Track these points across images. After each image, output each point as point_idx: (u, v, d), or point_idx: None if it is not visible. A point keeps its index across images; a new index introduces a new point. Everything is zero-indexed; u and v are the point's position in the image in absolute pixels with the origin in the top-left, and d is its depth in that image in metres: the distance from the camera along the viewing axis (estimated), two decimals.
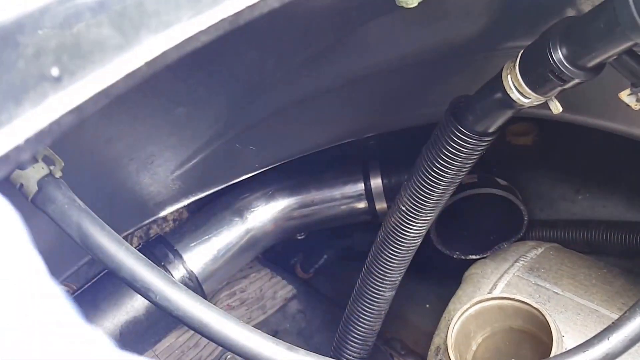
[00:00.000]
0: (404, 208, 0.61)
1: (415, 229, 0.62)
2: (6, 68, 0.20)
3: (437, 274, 1.04)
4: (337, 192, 0.98)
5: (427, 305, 1.06)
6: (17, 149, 0.21)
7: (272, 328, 0.93)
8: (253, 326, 0.90)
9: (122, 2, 0.22)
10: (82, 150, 0.55)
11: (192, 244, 0.91)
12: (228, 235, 0.94)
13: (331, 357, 0.74)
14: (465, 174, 0.58)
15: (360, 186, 0.96)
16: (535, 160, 0.98)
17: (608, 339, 0.37)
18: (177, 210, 1.09)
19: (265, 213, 0.97)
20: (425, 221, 0.62)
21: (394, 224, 0.63)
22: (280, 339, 0.86)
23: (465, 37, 0.54)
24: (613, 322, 0.37)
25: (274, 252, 1.11)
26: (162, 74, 0.27)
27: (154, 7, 0.23)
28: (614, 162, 0.90)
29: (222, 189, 1.07)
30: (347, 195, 0.97)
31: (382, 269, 0.67)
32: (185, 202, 0.81)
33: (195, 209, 1.08)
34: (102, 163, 0.64)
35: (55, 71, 0.20)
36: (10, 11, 0.20)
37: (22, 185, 0.43)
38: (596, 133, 0.70)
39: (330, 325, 0.93)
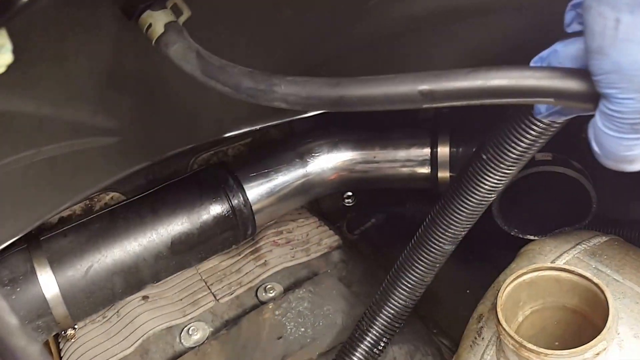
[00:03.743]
0: (485, 157, 0.61)
1: (492, 182, 0.62)
2: None
3: (483, 262, 1.02)
4: (402, 153, 0.98)
5: (468, 291, 1.05)
6: None
7: (313, 270, 0.95)
8: (293, 266, 0.94)
9: None
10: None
11: (252, 175, 0.94)
12: (286, 174, 0.96)
13: (377, 300, 0.75)
14: (556, 130, 0.57)
15: (426, 151, 0.96)
16: None
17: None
18: (237, 148, 1.13)
19: (326, 161, 0.99)
20: (504, 175, 0.61)
21: (471, 173, 0.63)
22: (320, 280, 0.89)
23: None
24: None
25: (323, 215, 1.13)
26: None
27: None
28: None
29: (287, 132, 1.09)
30: (411, 158, 0.97)
31: (448, 220, 0.67)
32: (259, 125, 0.82)
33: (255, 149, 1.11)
34: None
35: None
36: None
37: (150, 25, 0.47)
38: None
39: (370, 279, 0.94)
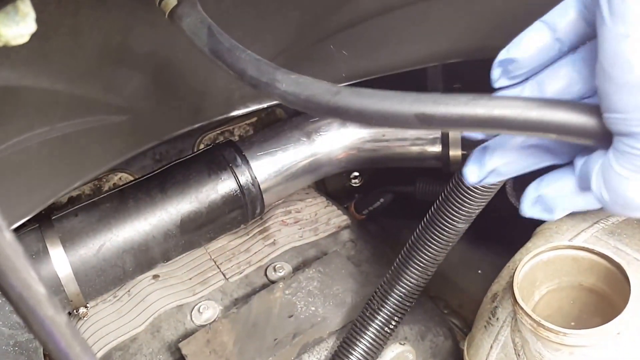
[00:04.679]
0: None
1: None
2: None
3: (495, 243, 1.03)
4: (411, 131, 0.98)
5: (479, 271, 1.06)
6: None
7: (321, 249, 0.95)
8: (302, 245, 0.95)
9: None
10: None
11: (260, 154, 0.94)
12: (294, 153, 0.96)
13: (388, 279, 0.76)
14: None
15: None
16: None
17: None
18: (243, 128, 1.13)
19: (333, 139, 0.99)
20: None
21: None
22: (329, 260, 0.89)
23: None
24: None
25: (330, 196, 1.13)
26: None
27: None
28: None
29: (292, 111, 1.09)
30: (421, 136, 0.97)
31: (462, 197, 0.67)
32: (267, 103, 0.82)
33: (261, 128, 1.11)
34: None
35: None
36: None
37: None
38: None
39: (379, 259, 0.95)
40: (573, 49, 0.35)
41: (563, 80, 0.35)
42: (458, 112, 0.32)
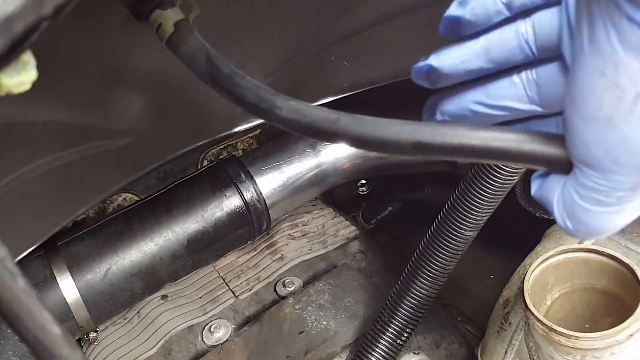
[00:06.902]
0: None
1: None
2: None
3: (507, 246, 1.04)
4: None
5: (492, 276, 1.07)
6: None
7: (331, 262, 0.97)
8: (311, 259, 0.96)
9: None
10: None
11: (264, 168, 0.95)
12: (299, 166, 0.98)
13: (397, 290, 0.77)
14: None
15: None
16: None
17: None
18: (247, 141, 1.15)
19: (338, 149, 1.00)
20: None
21: None
22: (339, 272, 0.91)
23: None
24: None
25: (337, 205, 1.14)
26: None
27: None
28: None
29: None
30: None
31: (469, 205, 0.68)
32: None
33: (264, 141, 1.13)
34: None
35: None
36: None
37: (160, 25, 0.48)
38: None
39: (391, 269, 0.96)
40: (517, 15, 0.36)
41: (509, 52, 0.36)
42: (455, 142, 0.34)
